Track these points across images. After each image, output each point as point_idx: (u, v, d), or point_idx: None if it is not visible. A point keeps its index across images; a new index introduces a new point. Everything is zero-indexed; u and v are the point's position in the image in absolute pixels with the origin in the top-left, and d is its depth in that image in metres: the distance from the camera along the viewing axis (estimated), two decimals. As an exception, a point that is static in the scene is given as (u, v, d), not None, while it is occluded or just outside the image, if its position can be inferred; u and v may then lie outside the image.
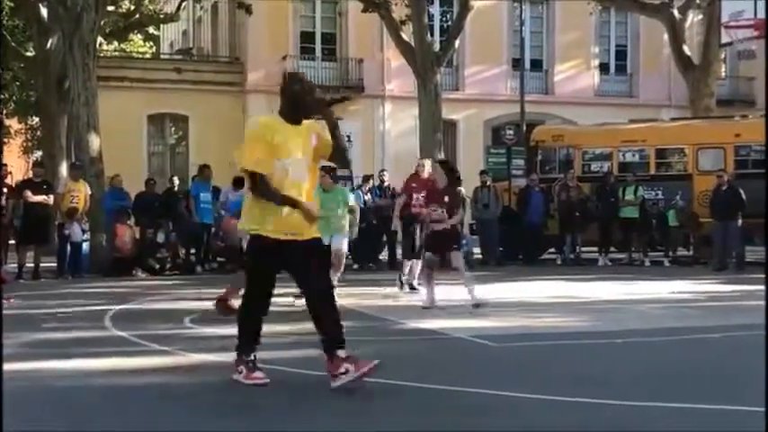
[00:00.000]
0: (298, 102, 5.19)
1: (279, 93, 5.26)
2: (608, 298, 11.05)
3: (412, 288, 11.45)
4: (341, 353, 5.05)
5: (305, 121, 5.25)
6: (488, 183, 17.58)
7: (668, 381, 5.63)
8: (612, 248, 18.18)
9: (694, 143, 17.97)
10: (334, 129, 5.28)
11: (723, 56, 26.46)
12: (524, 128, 22.51)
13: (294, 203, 5.11)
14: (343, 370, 4.97)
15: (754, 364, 6.02)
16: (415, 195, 11.50)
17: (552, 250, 18.57)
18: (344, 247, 10.33)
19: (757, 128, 18.42)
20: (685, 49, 22.48)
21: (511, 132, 20.76)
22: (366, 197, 16.64)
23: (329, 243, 9.47)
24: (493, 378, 5.66)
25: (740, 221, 15.65)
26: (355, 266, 16.12)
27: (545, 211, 17.78)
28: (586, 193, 17.77)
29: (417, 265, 11.35)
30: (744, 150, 17.89)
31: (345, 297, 10.86)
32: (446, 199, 9.64)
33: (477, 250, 17.64)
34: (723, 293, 11.88)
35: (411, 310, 9.58)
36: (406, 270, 11.73)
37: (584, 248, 18.14)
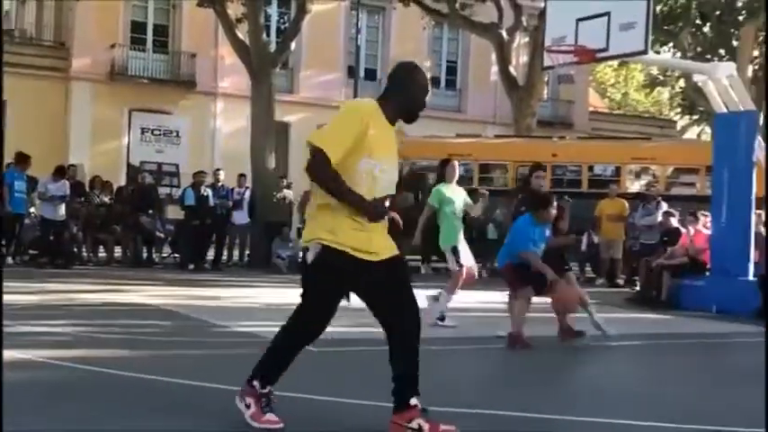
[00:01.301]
0: (418, 99, 4.35)
1: (389, 80, 4.38)
2: (421, 306, 11.28)
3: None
4: (414, 401, 4.18)
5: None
6: (318, 187, 17.63)
7: (468, 387, 5.84)
8: (434, 257, 18.66)
9: (515, 160, 18.76)
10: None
11: (546, 78, 27.78)
12: (356, 135, 22.74)
13: (362, 202, 4.02)
14: (415, 426, 4.10)
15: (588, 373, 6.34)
16: None
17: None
18: None
19: (572, 149, 19.55)
20: (511, 69, 23.45)
21: (342, 139, 20.91)
22: (204, 194, 16.32)
23: None
24: (311, 383, 5.68)
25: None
26: (191, 266, 15.80)
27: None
28: (412, 202, 18.14)
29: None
30: (560, 170, 18.87)
31: (165, 297, 10.64)
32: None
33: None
34: (536, 304, 12.41)
35: (230, 312, 9.46)
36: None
37: (407, 257, 18.51)
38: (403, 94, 4.28)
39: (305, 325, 4.32)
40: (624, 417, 4.97)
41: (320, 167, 4.00)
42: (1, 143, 6.47)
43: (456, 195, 9.16)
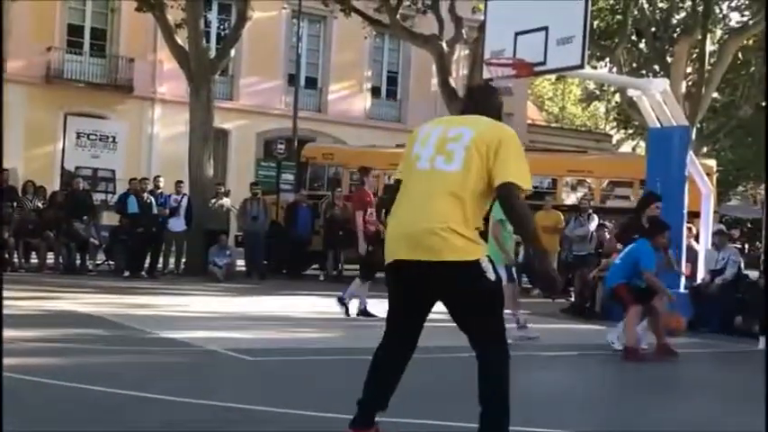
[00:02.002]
0: (499, 119, 4.25)
1: (469, 98, 4.38)
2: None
3: (368, 314, 10.61)
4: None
5: None
6: (258, 195, 17.54)
7: (408, 397, 5.85)
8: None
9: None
10: None
11: (485, 91, 28.01)
12: (296, 143, 22.70)
13: (540, 243, 4.03)
14: None
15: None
16: (369, 210, 10.99)
17: (316, 266, 18.79)
18: None
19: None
20: (451, 81, 23.61)
21: (282, 147, 20.84)
22: (148, 201, 16.07)
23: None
24: (241, 392, 5.63)
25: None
26: (126, 274, 15.53)
27: (311, 226, 17.98)
28: (352, 212, 18.13)
29: (365, 288, 10.75)
30: (498, 181, 19.05)
31: (98, 305, 10.45)
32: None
33: (241, 262, 17.50)
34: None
35: (163, 320, 9.33)
36: (353, 290, 10.80)
37: (346, 266, 18.49)
38: (489, 113, 4.21)
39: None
40: (552, 425, 5.03)
41: (525, 208, 4.00)
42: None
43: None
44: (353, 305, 10.79)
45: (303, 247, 17.81)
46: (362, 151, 20.74)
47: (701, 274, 12.40)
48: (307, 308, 11.82)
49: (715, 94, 29.39)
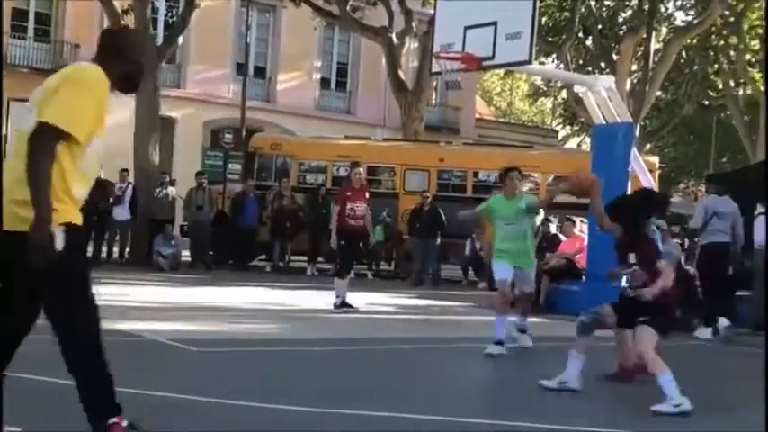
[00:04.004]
0: (139, 63, 3.89)
1: (103, 46, 3.82)
2: (311, 307, 11.31)
3: (347, 305, 10.74)
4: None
5: None
6: (204, 185, 17.38)
7: (349, 388, 5.87)
8: (321, 259, 18.66)
9: (403, 164, 18.95)
10: None
11: (434, 84, 28.18)
12: (244, 133, 22.53)
13: (41, 210, 3.39)
14: None
15: (433, 373, 6.44)
16: (349, 205, 10.88)
17: (262, 257, 18.70)
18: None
19: (459, 154, 19.88)
20: (400, 73, 23.65)
21: (230, 136, 20.68)
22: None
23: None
24: (184, 382, 5.58)
25: (439, 240, 16.69)
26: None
27: (258, 217, 17.88)
28: (299, 204, 18.10)
29: (345, 280, 10.79)
30: (446, 174, 19.14)
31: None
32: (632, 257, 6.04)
33: (186, 253, 17.34)
34: (418, 307, 12.60)
35: (104, 310, 9.17)
36: (341, 289, 10.83)
37: (293, 257, 18.45)
38: (122, 59, 3.74)
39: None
40: (481, 416, 5.10)
41: (42, 155, 3.36)
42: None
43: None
44: (349, 299, 10.88)
45: (250, 237, 17.70)
46: (311, 142, 20.70)
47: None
48: (253, 299, 11.77)
49: (659, 93, 29.91)
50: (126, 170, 17.12)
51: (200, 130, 29.13)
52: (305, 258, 18.36)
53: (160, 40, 20.12)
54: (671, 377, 5.46)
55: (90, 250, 15.91)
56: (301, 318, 10.20)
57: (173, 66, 28.15)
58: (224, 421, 4.63)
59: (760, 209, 11.71)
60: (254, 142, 19.97)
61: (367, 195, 11.22)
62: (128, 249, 17.10)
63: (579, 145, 38.48)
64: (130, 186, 16.82)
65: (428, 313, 11.96)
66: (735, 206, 11.30)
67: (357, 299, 11.06)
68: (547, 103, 50.07)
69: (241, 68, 26.51)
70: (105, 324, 7.47)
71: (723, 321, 10.42)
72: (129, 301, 10.52)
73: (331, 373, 6.48)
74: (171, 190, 17.44)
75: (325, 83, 32.83)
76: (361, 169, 11.39)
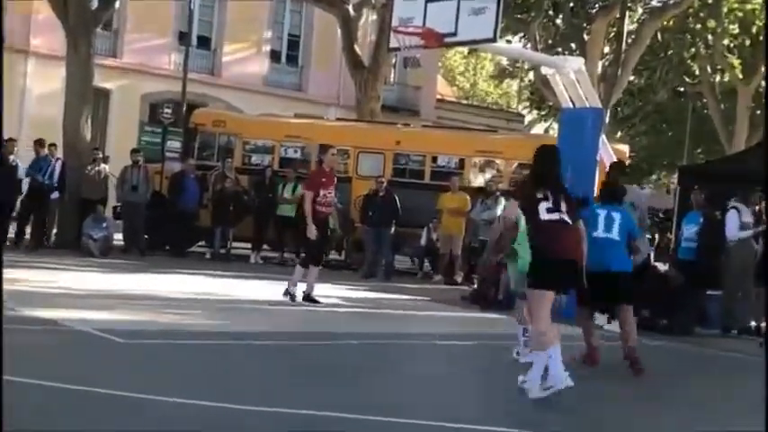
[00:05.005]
0: None
1: None
2: (253, 298, 11.30)
3: (312, 300, 10.81)
4: None
5: None
6: (140, 162, 17.20)
7: (291, 385, 5.89)
8: (266, 246, 18.60)
9: (356, 146, 18.93)
10: None
11: (393, 61, 28.17)
12: (185, 108, 22.33)
13: None
14: None
15: (372, 367, 6.47)
16: (322, 192, 10.85)
17: (202, 243, 18.59)
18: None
19: (417, 137, 19.90)
20: (357, 48, 23.62)
21: (169, 111, 20.47)
22: (13, 164, 15.55)
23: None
24: (109, 376, 5.55)
25: (393, 229, 16.73)
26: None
27: (198, 200, 17.75)
28: (244, 186, 18.00)
29: (314, 273, 10.87)
30: (402, 158, 19.16)
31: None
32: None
33: (119, 236, 17.17)
34: (368, 300, 12.64)
35: (26, 296, 9.06)
36: (298, 277, 10.89)
37: (235, 244, 18.36)
38: None
39: None
40: (410, 416, 5.17)
41: None
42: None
43: None
44: (299, 291, 10.94)
45: (189, 221, 17.57)
46: (258, 120, 20.58)
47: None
48: (190, 289, 11.70)
49: (631, 77, 30.25)
50: (54, 144, 16.85)
51: (138, 103, 28.80)
52: (248, 246, 18.28)
53: (95, 4, 19.79)
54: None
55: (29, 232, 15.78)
56: (241, 309, 10.18)
57: (108, 32, 27.76)
58: (147, 419, 4.61)
59: (732, 203, 11.97)
60: (195, 118, 19.79)
61: (335, 181, 11.27)
62: (54, 231, 16.87)
63: (547, 130, 38.79)
64: (59, 162, 16.58)
65: (379, 307, 12.00)
66: None
67: (301, 291, 11.05)
68: (513, 85, 50.35)
69: (183, 37, 26.26)
70: (26, 311, 7.42)
71: None
72: (54, 288, 10.41)
73: (270, 370, 6.49)
74: (103, 167, 17.22)
75: (274, 56, 32.62)
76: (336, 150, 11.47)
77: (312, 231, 10.81)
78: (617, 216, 8.00)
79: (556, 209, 6.57)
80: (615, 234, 7.92)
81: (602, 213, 7.99)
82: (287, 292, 10.91)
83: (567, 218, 6.57)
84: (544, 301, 6.33)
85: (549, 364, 6.02)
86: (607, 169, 10.34)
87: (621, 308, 8.08)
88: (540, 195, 6.61)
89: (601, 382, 7.50)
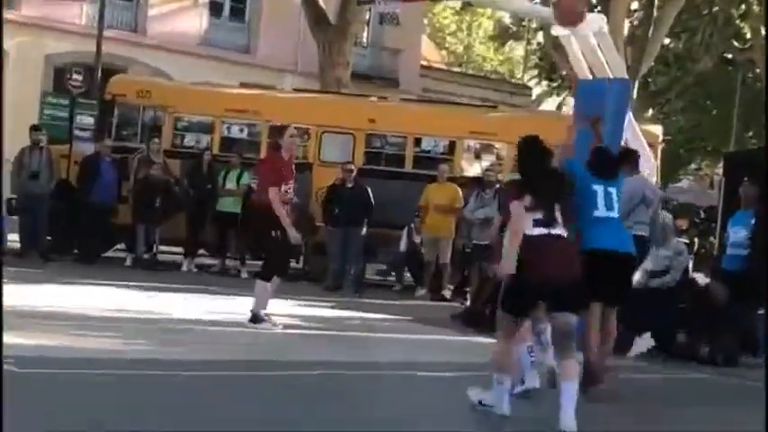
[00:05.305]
0: None
1: None
2: (185, 317, 11.25)
3: (260, 320, 10.82)
4: None
5: None
6: (42, 143, 17.11)
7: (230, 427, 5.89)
8: (202, 251, 18.53)
9: (319, 124, 18.90)
10: None
11: (367, 17, 28.22)
12: (99, 74, 22.22)
13: None
14: None
15: (343, 409, 6.48)
16: (284, 186, 10.93)
17: (121, 246, 18.50)
18: None
19: (396, 114, 19.89)
20: (320, 1, 23.63)
21: (79, 77, 20.36)
22: None
23: None
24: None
25: (365, 230, 16.72)
26: None
27: (116, 191, 17.67)
28: (175, 174, 17.93)
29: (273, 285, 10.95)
30: (378, 141, 19.16)
31: None
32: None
33: (14, 237, 17.07)
34: (332, 320, 12.62)
35: None
36: (268, 293, 10.97)
37: (163, 248, 18.29)
38: None
39: None
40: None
41: None
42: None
43: None
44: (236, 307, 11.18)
45: (104, 218, 17.49)
46: (193, 90, 20.51)
47: (635, 276, 12.85)
48: (105, 304, 11.64)
49: (666, 41, 30.40)
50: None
51: (40, 67, 28.68)
52: (180, 250, 18.22)
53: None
54: None
55: None
56: (170, 332, 10.15)
57: (2, -24, 27.59)
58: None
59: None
60: (113, 87, 19.66)
61: (294, 172, 11.34)
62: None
63: (560, 107, 38.93)
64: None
65: (346, 329, 11.99)
66: None
67: (245, 306, 11.02)
68: (517, 49, 50.51)
69: (99, -16, 26.14)
70: None
71: None
72: None
73: (203, 410, 6.48)
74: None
75: (215, 8, 32.56)
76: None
77: (296, 237, 11.01)
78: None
79: (546, 221, 6.84)
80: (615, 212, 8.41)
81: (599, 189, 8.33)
82: (256, 318, 10.82)
83: (560, 230, 6.89)
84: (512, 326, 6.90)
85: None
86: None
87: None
88: (525, 204, 6.86)
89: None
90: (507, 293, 7.00)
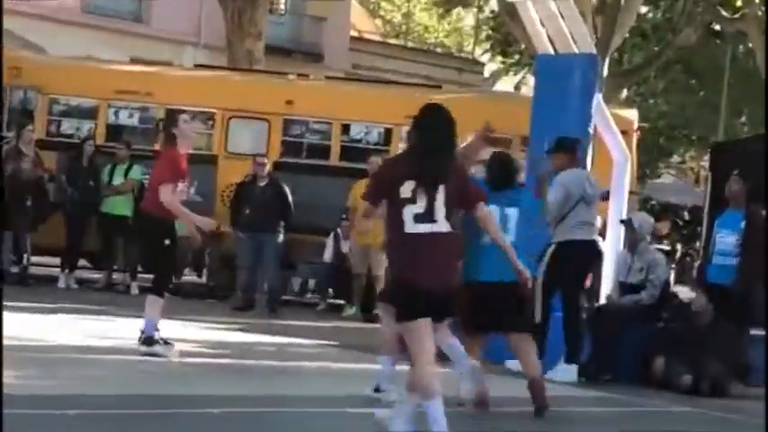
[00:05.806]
0: None
1: None
2: (61, 342, 11.17)
3: (153, 343, 10.72)
4: None
5: None
6: None
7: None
8: (84, 262, 18.36)
9: (225, 108, 18.80)
10: None
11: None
12: (-43, 47, 21.96)
13: None
14: None
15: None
16: (180, 184, 10.97)
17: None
18: None
19: (320, 95, 19.85)
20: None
21: (-68, 52, 20.13)
22: None
23: None
24: None
25: (281, 236, 16.64)
26: None
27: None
28: (49, 169, 17.75)
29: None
30: (297, 127, 19.10)
31: None
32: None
33: None
34: (241, 346, 12.54)
35: None
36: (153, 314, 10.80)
37: (37, 258, 18.10)
38: None
39: None
40: None
41: None
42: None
43: None
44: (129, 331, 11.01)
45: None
46: (73, 66, 20.36)
47: (605, 289, 12.89)
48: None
49: (643, 9, 30.65)
50: None
51: None
52: (56, 261, 18.04)
53: None
54: None
55: None
56: (42, 361, 10.02)
57: None
58: None
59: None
60: (-26, 63, 19.51)
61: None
62: None
63: (518, 87, 39.10)
64: None
65: (259, 357, 11.93)
66: None
67: (135, 329, 10.92)
68: (467, 19, 50.70)
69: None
70: None
71: None
72: None
73: None
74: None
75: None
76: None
77: (209, 222, 11.43)
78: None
79: (427, 215, 6.74)
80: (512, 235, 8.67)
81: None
82: (149, 340, 10.71)
83: (443, 227, 6.77)
84: (422, 333, 6.77)
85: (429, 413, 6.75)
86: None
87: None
88: (404, 194, 6.73)
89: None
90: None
